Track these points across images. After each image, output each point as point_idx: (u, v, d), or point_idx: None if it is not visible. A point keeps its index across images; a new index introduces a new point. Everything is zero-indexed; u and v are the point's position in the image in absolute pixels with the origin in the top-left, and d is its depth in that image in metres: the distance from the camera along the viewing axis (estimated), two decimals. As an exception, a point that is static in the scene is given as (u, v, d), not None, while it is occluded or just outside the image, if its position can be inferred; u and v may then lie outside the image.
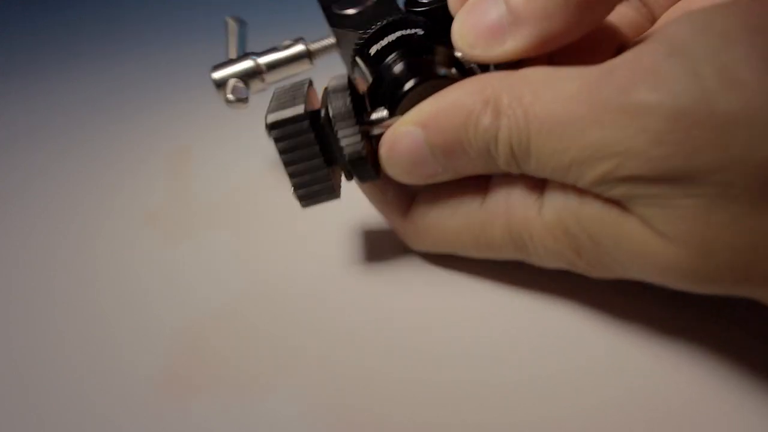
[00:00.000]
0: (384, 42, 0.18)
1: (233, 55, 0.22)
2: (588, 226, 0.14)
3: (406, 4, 0.20)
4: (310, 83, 0.18)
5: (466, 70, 0.17)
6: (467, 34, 0.15)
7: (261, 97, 0.21)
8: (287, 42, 0.22)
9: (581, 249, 0.15)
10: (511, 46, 0.15)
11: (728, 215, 0.12)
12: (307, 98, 0.17)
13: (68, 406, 0.16)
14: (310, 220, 0.22)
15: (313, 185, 0.18)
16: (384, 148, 0.17)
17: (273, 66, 0.22)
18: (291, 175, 0.17)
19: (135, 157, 0.30)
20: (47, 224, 0.25)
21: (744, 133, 0.11)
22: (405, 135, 0.16)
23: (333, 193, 0.18)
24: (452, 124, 0.15)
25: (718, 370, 0.15)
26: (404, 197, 0.19)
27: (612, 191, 0.13)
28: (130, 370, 0.17)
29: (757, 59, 0.11)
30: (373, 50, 0.18)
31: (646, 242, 0.13)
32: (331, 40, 0.22)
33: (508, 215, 0.16)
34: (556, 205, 0.15)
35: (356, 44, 0.19)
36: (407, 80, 0.17)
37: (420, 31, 0.18)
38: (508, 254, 0.17)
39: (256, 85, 0.22)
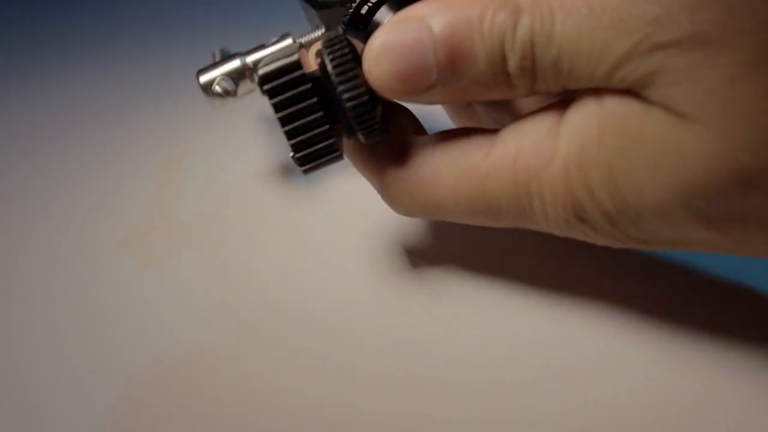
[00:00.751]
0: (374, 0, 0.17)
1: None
2: (608, 134, 0.13)
3: None
4: (302, 45, 0.17)
5: None
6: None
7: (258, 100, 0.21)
8: (273, 39, 0.21)
9: (594, 185, 0.13)
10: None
11: (754, 88, 0.11)
12: (299, 54, 0.15)
13: (67, 406, 0.16)
14: (307, 228, 0.22)
15: (313, 145, 0.16)
16: (380, 37, 0.14)
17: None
18: (288, 135, 0.16)
19: (135, 157, 0.30)
20: (47, 224, 0.24)
21: None
22: (411, 23, 0.14)
23: (336, 152, 0.16)
24: (466, 19, 0.13)
25: (723, 365, 0.15)
26: (394, 149, 0.17)
27: (637, 70, 0.12)
28: (130, 370, 0.17)
29: None
30: (363, 10, 0.17)
31: (668, 133, 0.12)
32: (319, 31, 0.20)
33: (516, 165, 0.14)
34: (574, 127, 0.14)
35: (346, 15, 0.17)
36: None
37: None
38: (507, 215, 0.15)
39: (245, 85, 0.21)
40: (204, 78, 0.20)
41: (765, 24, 0.11)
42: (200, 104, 0.36)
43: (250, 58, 0.20)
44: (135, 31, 0.55)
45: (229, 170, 0.28)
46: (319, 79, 0.15)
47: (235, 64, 0.21)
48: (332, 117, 0.15)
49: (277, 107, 0.15)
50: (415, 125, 0.18)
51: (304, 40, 0.20)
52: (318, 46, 0.16)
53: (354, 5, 0.17)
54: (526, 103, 0.19)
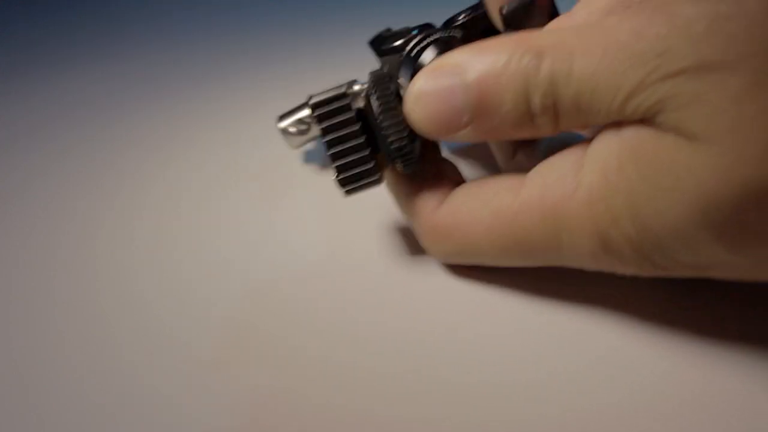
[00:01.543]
0: (423, 42, 0.19)
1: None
2: (626, 161, 0.14)
3: (444, 24, 0.21)
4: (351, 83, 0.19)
5: None
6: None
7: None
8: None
9: (617, 212, 0.14)
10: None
11: (758, 105, 0.12)
12: (348, 87, 0.17)
13: (68, 406, 0.16)
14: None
15: (354, 168, 0.18)
16: (418, 83, 0.16)
17: None
18: (333, 157, 0.18)
19: (135, 157, 0.30)
20: (47, 224, 0.24)
21: None
22: (445, 70, 0.15)
23: (374, 176, 0.18)
24: (494, 64, 0.15)
25: (732, 364, 0.15)
26: (435, 194, 0.18)
27: (649, 99, 0.13)
28: (130, 370, 0.17)
29: None
30: (413, 53, 0.19)
31: (679, 154, 0.13)
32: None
33: (542, 200, 0.15)
34: (595, 158, 0.14)
35: (400, 56, 0.19)
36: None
37: (458, 34, 0.19)
38: (538, 252, 0.16)
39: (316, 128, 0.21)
40: (282, 124, 0.22)
41: (764, 47, 0.12)
42: (201, 102, 0.36)
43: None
44: (135, 31, 0.55)
45: (229, 168, 0.28)
46: (364, 111, 0.17)
47: (307, 110, 0.24)
48: (374, 146, 0.17)
49: (324, 131, 0.17)
50: (455, 176, 0.19)
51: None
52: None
53: (407, 49, 0.19)
54: None
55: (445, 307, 0.18)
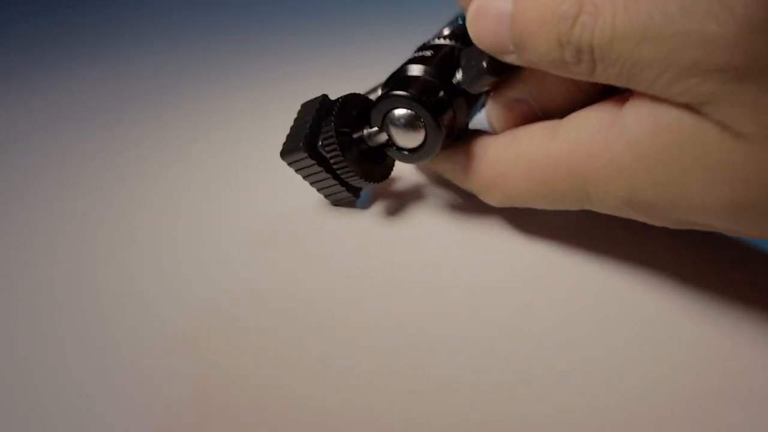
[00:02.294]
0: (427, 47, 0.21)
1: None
2: (660, 142, 0.14)
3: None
4: (322, 101, 0.22)
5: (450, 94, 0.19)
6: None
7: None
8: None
9: (643, 187, 0.14)
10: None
11: None
12: (312, 124, 0.21)
13: (68, 406, 0.16)
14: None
15: (333, 194, 0.23)
16: (476, 3, 0.17)
17: None
18: (316, 189, 0.22)
19: (135, 157, 0.30)
20: (47, 224, 0.25)
21: None
22: (495, 3, 0.16)
23: (351, 198, 0.23)
24: (533, 6, 0.15)
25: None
26: (477, 158, 0.19)
27: (698, 87, 0.13)
28: (130, 370, 0.17)
29: None
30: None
31: (723, 150, 0.13)
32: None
33: (570, 158, 0.16)
34: (627, 129, 0.15)
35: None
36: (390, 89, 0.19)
37: (459, 46, 0.20)
38: (570, 201, 0.17)
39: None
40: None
41: None
42: (200, 103, 0.36)
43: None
44: (135, 31, 0.56)
45: (229, 168, 0.28)
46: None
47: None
48: (339, 178, 0.22)
49: (299, 173, 0.22)
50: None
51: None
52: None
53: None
54: None
55: (448, 304, 0.18)
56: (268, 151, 0.26)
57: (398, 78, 0.20)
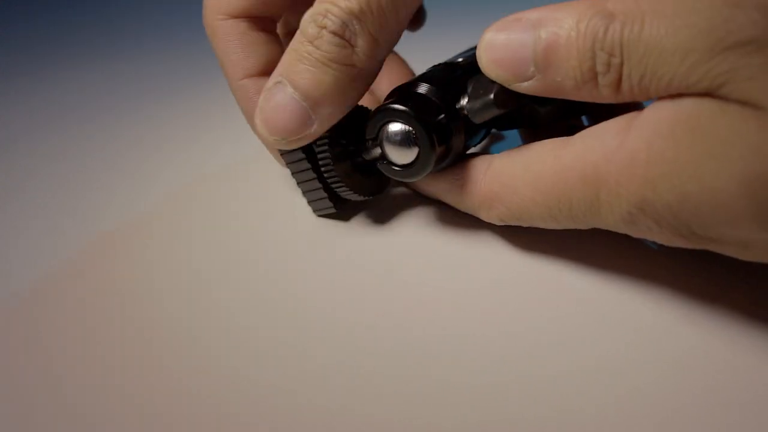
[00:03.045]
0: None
1: None
2: (679, 130, 0.14)
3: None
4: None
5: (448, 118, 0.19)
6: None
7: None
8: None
9: (657, 176, 0.14)
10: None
11: None
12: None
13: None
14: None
15: (316, 201, 0.22)
16: (491, 32, 0.17)
17: None
18: (302, 192, 0.22)
19: (135, 157, 0.30)
20: (46, 224, 0.24)
21: None
22: (519, 23, 0.16)
23: (331, 210, 0.22)
24: (564, 22, 0.15)
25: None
26: (479, 172, 0.19)
27: (717, 67, 0.13)
28: (124, 369, 0.17)
29: None
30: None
31: (741, 125, 0.13)
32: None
33: (584, 161, 0.16)
34: (646, 124, 0.15)
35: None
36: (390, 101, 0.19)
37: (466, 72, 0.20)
38: (579, 212, 0.17)
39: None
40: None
41: None
42: (200, 102, 0.36)
43: None
44: (135, 31, 0.56)
45: (229, 167, 0.28)
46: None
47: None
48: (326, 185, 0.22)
49: (292, 172, 0.22)
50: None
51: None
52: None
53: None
54: None
55: (450, 304, 0.18)
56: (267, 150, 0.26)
57: (400, 92, 0.20)
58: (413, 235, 0.22)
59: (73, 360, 0.17)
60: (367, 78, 0.19)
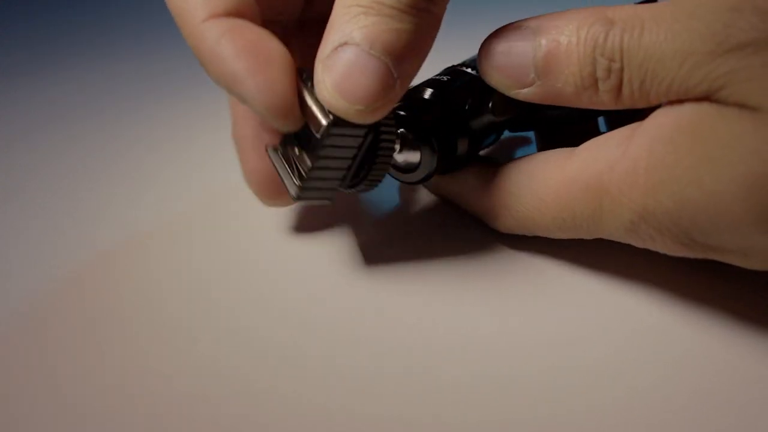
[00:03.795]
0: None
1: None
2: (679, 135, 0.14)
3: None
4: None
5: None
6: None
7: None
8: None
9: (657, 182, 0.14)
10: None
11: None
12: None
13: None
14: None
15: (319, 186, 0.18)
16: (491, 40, 0.17)
17: None
18: (304, 174, 0.17)
19: (135, 157, 0.30)
20: (46, 223, 0.24)
21: None
22: (519, 31, 0.16)
23: (333, 195, 0.18)
24: (564, 29, 0.15)
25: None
26: (479, 178, 0.19)
27: (717, 69, 0.13)
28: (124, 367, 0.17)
29: None
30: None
31: (737, 127, 0.13)
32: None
33: (588, 171, 0.16)
34: (647, 132, 0.15)
35: None
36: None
37: (474, 72, 0.20)
38: (582, 221, 0.17)
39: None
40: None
41: None
42: (200, 101, 0.36)
43: None
44: (134, 31, 0.55)
45: (230, 167, 0.28)
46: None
47: None
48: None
49: (326, 150, 0.17)
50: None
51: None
52: None
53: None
54: None
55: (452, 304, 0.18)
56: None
57: (407, 97, 0.20)
58: (415, 237, 0.22)
59: (72, 360, 0.17)
60: (438, 26, 0.16)
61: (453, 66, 0.22)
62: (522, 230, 0.19)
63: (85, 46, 0.53)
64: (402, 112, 0.19)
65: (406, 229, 0.22)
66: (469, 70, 0.21)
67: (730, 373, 0.15)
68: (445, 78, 0.20)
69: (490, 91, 0.18)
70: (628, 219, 0.15)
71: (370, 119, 0.15)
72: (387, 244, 0.21)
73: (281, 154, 0.19)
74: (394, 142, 0.18)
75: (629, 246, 0.17)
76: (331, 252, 0.21)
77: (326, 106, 0.15)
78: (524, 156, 0.19)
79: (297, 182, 0.17)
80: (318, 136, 0.16)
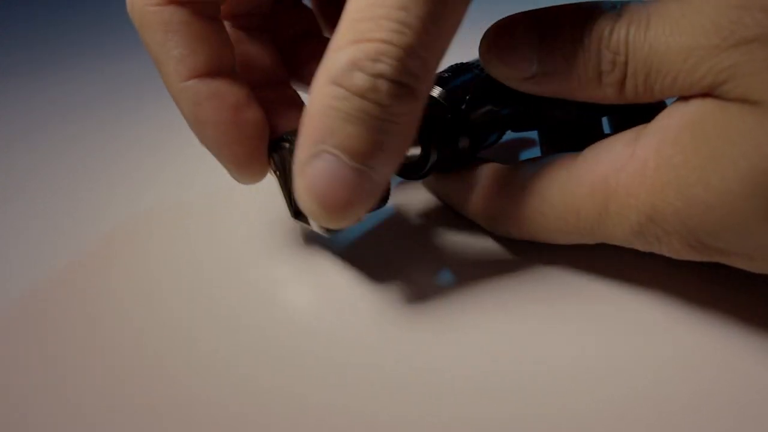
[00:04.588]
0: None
1: None
2: (684, 134, 0.14)
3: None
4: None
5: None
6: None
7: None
8: None
9: (664, 182, 0.14)
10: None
11: None
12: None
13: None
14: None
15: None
16: (493, 28, 0.17)
17: None
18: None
19: (134, 157, 0.30)
20: (45, 223, 0.24)
21: None
22: (521, 23, 0.16)
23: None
24: (570, 20, 0.15)
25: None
26: (480, 180, 0.19)
27: (721, 63, 0.13)
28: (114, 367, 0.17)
29: None
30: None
31: (740, 122, 0.13)
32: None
33: (594, 174, 0.16)
34: (652, 133, 0.15)
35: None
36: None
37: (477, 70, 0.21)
38: (587, 225, 0.16)
39: None
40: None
41: None
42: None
43: None
44: (134, 31, 0.55)
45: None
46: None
47: None
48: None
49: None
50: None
51: None
52: None
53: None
54: None
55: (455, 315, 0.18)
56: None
57: None
58: (417, 239, 0.22)
59: (72, 359, 0.17)
60: (417, 121, 0.15)
61: (458, 63, 0.22)
62: (523, 235, 0.18)
63: (85, 46, 0.52)
64: None
65: (405, 228, 0.22)
66: (474, 61, 0.21)
67: (730, 374, 0.15)
68: (447, 74, 0.21)
69: (492, 86, 0.18)
70: (635, 220, 0.15)
71: (346, 224, 0.15)
72: (387, 241, 0.21)
73: (278, 163, 0.19)
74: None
75: (631, 249, 0.16)
76: (332, 251, 0.21)
77: (304, 212, 0.15)
78: (527, 159, 0.19)
79: (293, 205, 0.18)
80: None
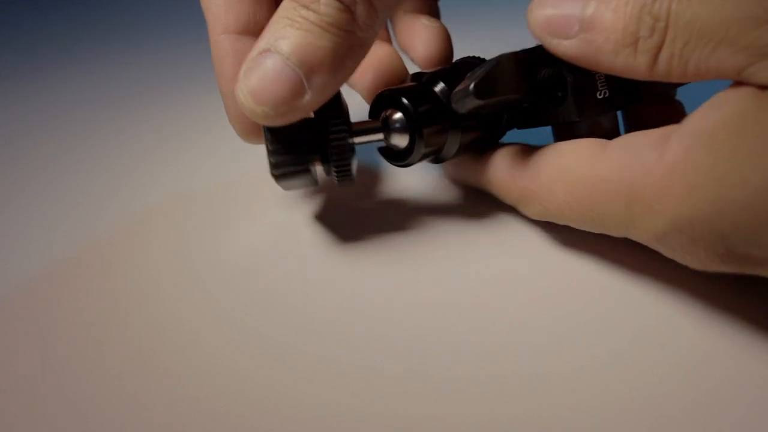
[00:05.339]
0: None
1: None
2: (719, 131, 0.13)
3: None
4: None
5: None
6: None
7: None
8: None
9: (695, 183, 0.14)
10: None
11: None
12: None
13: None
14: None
15: (294, 177, 0.19)
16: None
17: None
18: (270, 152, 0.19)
19: (135, 157, 0.30)
20: (45, 223, 0.24)
21: None
22: None
23: (312, 183, 0.20)
24: None
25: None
26: (520, 168, 0.19)
27: (759, 41, 0.13)
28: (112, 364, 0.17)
29: None
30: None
31: None
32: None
33: (620, 175, 0.15)
34: (686, 133, 0.14)
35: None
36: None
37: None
38: (612, 224, 0.16)
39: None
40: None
41: None
42: (199, 101, 0.36)
43: None
44: (134, 31, 0.55)
45: (230, 167, 0.27)
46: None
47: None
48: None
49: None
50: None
51: None
52: None
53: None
54: None
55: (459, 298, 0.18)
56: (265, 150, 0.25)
57: (419, 85, 0.20)
58: (422, 227, 0.22)
59: (72, 359, 0.17)
60: (363, 49, 0.17)
61: (470, 56, 0.22)
62: (552, 219, 0.19)
63: (85, 46, 0.52)
64: (392, 89, 0.20)
65: (411, 218, 0.22)
66: (473, 60, 0.22)
67: (732, 374, 0.15)
68: (454, 67, 0.21)
69: (473, 74, 0.18)
70: (660, 228, 0.15)
71: (273, 122, 0.17)
72: (389, 236, 0.21)
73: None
74: (344, 137, 0.19)
75: (638, 245, 0.16)
76: (332, 251, 0.21)
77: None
78: (555, 144, 0.18)
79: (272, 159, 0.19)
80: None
